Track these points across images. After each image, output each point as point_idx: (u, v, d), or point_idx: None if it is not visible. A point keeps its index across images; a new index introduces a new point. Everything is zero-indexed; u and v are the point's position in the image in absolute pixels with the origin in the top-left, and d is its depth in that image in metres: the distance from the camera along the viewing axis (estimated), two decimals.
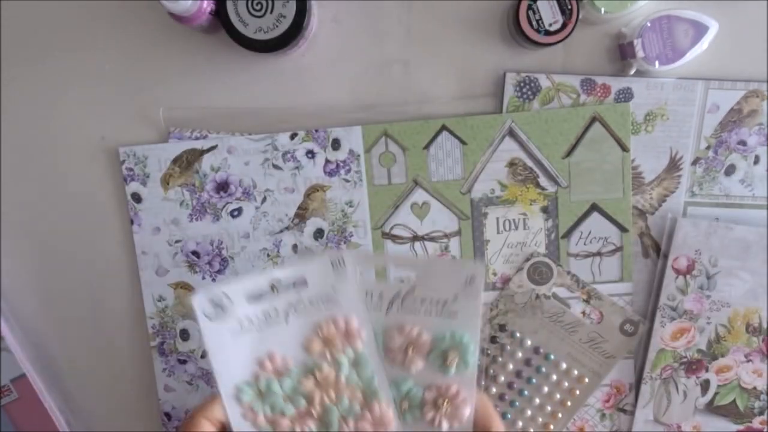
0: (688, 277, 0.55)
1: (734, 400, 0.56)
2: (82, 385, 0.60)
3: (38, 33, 0.55)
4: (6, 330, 0.57)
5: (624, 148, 0.55)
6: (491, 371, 0.57)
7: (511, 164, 0.55)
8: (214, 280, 0.57)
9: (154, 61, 0.55)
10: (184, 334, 0.58)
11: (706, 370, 0.56)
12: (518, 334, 0.57)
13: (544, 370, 0.56)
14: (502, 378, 0.57)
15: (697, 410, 0.57)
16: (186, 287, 0.58)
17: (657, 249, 0.56)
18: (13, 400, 0.57)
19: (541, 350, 0.56)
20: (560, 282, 0.56)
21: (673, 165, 0.55)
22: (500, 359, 0.57)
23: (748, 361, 0.55)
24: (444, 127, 0.55)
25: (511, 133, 0.55)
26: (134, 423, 0.61)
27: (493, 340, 0.57)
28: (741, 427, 0.56)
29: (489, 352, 0.57)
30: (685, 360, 0.56)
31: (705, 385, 0.56)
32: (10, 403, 0.57)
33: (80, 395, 0.60)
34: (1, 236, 0.58)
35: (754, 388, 0.56)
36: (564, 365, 0.56)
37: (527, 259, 0.56)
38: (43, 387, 0.57)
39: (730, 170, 0.55)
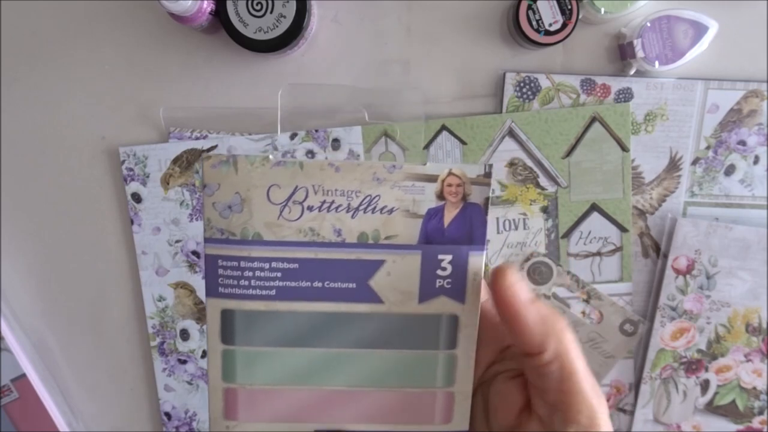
0: (688, 277, 0.55)
1: (734, 400, 0.56)
2: (82, 385, 0.60)
3: (38, 33, 0.55)
4: (6, 330, 0.57)
5: (624, 148, 0.55)
6: None
7: (511, 164, 0.55)
8: None
9: (154, 61, 0.55)
10: (184, 334, 0.58)
11: (706, 370, 0.56)
12: None
13: None
14: None
15: (696, 410, 0.57)
16: (186, 287, 0.58)
17: (657, 249, 0.56)
18: (13, 400, 0.57)
19: None
20: (560, 282, 0.56)
21: (673, 165, 0.55)
22: None
23: (748, 361, 0.55)
24: (444, 127, 0.55)
25: (511, 133, 0.55)
26: (134, 423, 0.61)
27: None
28: (741, 427, 0.56)
29: None
30: (684, 360, 0.56)
31: (705, 385, 0.56)
32: (10, 403, 0.57)
33: (80, 395, 0.60)
34: (1, 236, 0.58)
35: (754, 388, 0.56)
36: None
37: (527, 259, 0.56)
38: (43, 387, 0.57)
39: (729, 170, 0.55)
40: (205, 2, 0.48)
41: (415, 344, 0.27)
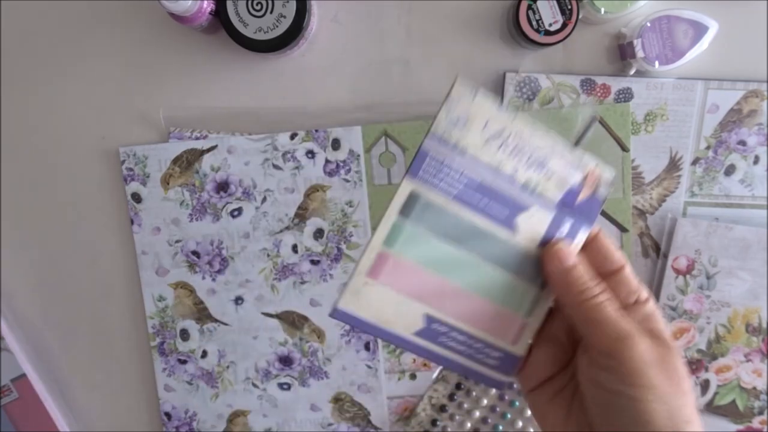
0: (687, 277, 0.55)
1: (734, 400, 0.56)
2: (82, 385, 0.60)
3: (38, 33, 0.55)
4: (6, 330, 0.57)
5: (624, 148, 0.55)
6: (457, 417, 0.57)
7: None
8: (214, 280, 0.57)
9: (154, 61, 0.55)
10: (184, 334, 0.58)
11: (706, 370, 0.56)
12: None
13: None
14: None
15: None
16: (186, 287, 0.58)
17: (657, 249, 0.56)
18: (13, 400, 0.57)
19: None
20: None
21: (673, 165, 0.55)
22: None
23: (748, 361, 0.56)
24: None
25: None
26: (134, 423, 0.61)
27: None
28: (741, 427, 0.57)
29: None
30: (684, 360, 0.56)
31: (705, 385, 0.56)
32: (10, 403, 0.57)
33: (80, 395, 0.60)
34: (1, 236, 0.58)
35: (754, 388, 0.56)
36: None
37: None
38: (43, 387, 0.57)
39: (729, 170, 0.55)
40: (205, 2, 0.48)
41: (523, 274, 0.35)
